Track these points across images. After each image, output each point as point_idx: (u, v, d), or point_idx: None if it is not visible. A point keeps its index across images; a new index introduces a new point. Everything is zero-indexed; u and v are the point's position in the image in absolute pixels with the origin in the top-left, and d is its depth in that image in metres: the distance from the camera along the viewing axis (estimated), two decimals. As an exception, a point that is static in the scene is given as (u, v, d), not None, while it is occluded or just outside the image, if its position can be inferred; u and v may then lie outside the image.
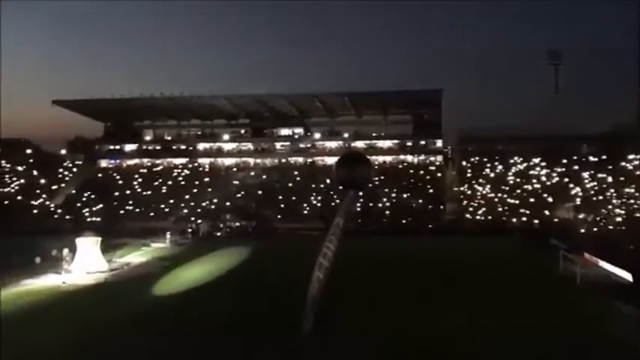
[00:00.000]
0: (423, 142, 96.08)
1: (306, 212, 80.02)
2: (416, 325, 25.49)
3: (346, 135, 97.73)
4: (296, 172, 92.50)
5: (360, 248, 47.45)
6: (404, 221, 76.00)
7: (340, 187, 30.15)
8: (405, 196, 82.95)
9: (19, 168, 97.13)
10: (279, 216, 78.85)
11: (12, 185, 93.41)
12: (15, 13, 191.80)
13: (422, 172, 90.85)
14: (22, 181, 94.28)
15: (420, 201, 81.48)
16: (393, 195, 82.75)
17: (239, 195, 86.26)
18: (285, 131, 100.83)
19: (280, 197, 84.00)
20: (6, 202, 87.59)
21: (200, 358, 21.91)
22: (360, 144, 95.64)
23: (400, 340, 23.13)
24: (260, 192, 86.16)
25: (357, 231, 60.02)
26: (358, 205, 74.25)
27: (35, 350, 23.10)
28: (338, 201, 65.69)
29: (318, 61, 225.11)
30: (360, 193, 58.89)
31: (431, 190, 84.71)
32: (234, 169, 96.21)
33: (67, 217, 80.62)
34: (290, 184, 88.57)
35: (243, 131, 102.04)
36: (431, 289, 34.31)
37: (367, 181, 30.83)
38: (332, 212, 34.25)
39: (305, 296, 23.96)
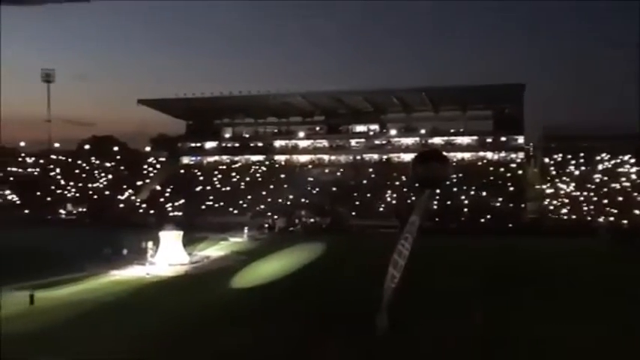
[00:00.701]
0: (503, 139, 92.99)
1: (381, 210, 79.46)
2: (499, 331, 24.69)
3: (423, 131, 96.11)
4: (371, 169, 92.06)
5: (437, 247, 46.56)
6: (482, 220, 73.93)
7: (417, 185, 29.59)
8: (483, 194, 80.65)
9: (108, 164, 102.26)
10: (353, 213, 78.75)
11: (101, 180, 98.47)
12: (106, 16, 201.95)
13: (502, 169, 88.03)
14: (110, 176, 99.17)
15: (500, 199, 78.98)
16: (472, 193, 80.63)
17: (314, 191, 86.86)
18: (360, 128, 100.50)
19: (355, 194, 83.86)
20: (95, 197, 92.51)
21: (276, 350, 22.21)
22: (437, 140, 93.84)
23: (477, 345, 22.47)
24: (335, 189, 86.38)
25: (433, 229, 59.03)
26: (435, 203, 72.92)
27: (119, 336, 24.24)
28: (414, 199, 64.75)
29: (393, 58, 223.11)
30: (437, 191, 57.88)
31: (511, 188, 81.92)
32: (309, 166, 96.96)
33: (151, 211, 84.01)
34: (365, 181, 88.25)
35: (318, 128, 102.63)
36: (520, 294, 32.88)
37: (444, 179, 30.09)
38: (408, 210, 33.78)
39: (379, 295, 23.75)
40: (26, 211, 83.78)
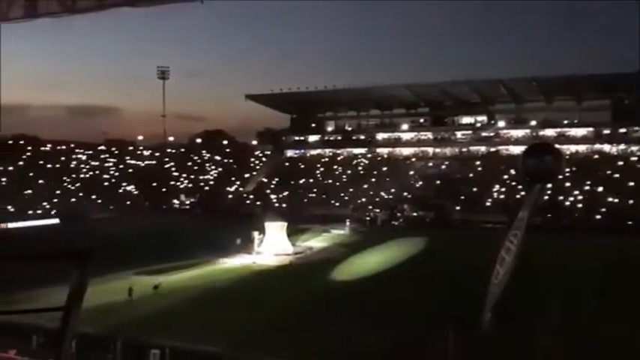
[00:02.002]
0: (623, 130, 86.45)
1: (488, 204, 76.79)
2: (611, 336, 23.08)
3: (534, 122, 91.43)
4: (478, 162, 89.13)
5: (548, 244, 44.30)
6: (598, 217, 69.33)
7: (527, 179, 28.29)
8: (599, 189, 75.56)
9: (217, 157, 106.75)
10: (458, 207, 76.73)
11: (211, 173, 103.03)
12: (215, 15, 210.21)
13: (621, 163, 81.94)
14: (220, 169, 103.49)
15: (618, 195, 73.63)
16: (586, 188, 75.82)
17: (417, 185, 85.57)
18: (466, 119, 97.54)
19: (460, 188, 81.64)
20: (206, 188, 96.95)
21: (378, 342, 22.15)
22: (549, 132, 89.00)
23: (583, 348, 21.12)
24: (439, 182, 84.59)
25: (544, 226, 56.22)
26: (546, 198, 69.32)
27: (232, 320, 25.24)
28: (523, 193, 61.92)
29: (501, 46, 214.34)
30: (549, 186, 54.93)
31: (631, 184, 76.08)
32: (413, 159, 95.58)
33: (257, 202, 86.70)
34: (471, 175, 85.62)
35: (422, 120, 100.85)
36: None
37: (557, 173, 28.60)
38: (516, 205, 32.33)
39: (485, 291, 22.97)
40: (145, 202, 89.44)
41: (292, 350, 21.95)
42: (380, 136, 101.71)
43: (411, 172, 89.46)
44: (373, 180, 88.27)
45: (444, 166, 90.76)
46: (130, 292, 31.37)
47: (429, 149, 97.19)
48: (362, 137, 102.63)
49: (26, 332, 24.60)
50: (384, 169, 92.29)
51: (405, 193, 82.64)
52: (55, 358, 2.73)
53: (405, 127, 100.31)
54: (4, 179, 79.72)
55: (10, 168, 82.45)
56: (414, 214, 76.90)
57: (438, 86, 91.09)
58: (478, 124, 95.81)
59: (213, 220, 66.22)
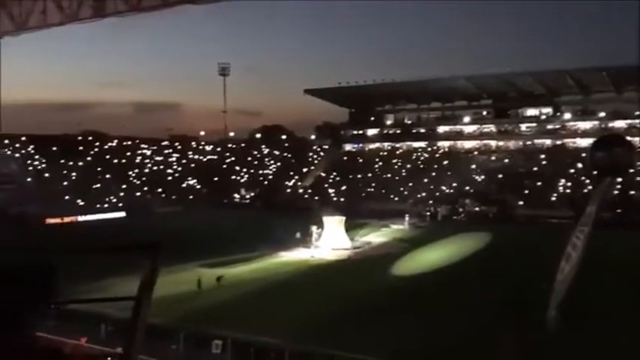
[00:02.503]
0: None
1: (553, 199, 74.25)
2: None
3: (602, 114, 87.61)
4: (543, 156, 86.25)
5: (617, 241, 42.39)
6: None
7: (595, 173, 27.12)
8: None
9: (276, 152, 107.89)
10: (521, 202, 74.56)
11: (270, 167, 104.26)
12: (273, 10, 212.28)
13: (699, 155, 77.40)
14: (279, 163, 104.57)
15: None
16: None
17: (479, 179, 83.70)
18: (531, 111, 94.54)
19: (524, 182, 79.27)
20: (265, 182, 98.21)
21: (439, 340, 21.82)
22: (619, 124, 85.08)
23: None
24: (502, 176, 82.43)
25: (613, 222, 53.86)
26: (615, 192, 66.35)
27: (292, 312, 25.48)
28: (591, 188, 59.53)
29: (566, 35, 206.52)
30: (619, 180, 52.57)
31: None
32: (475, 152, 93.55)
33: (315, 196, 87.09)
34: (535, 168, 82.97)
35: (485, 113, 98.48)
36: None
37: (628, 166, 27.22)
38: (583, 200, 31.10)
39: (549, 288, 22.24)
40: (206, 196, 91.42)
41: (356, 344, 21.92)
42: (441, 129, 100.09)
43: (473, 166, 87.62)
44: (433, 174, 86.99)
45: (507, 160, 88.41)
46: (199, 283, 32.26)
47: (491, 142, 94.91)
48: (422, 130, 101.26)
49: (95, 321, 25.65)
50: (445, 162, 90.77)
51: (467, 188, 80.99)
52: (126, 347, 2.76)
53: (466, 119, 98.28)
54: (74, 174, 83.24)
55: (80, 164, 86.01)
56: (476, 208, 75.25)
57: (500, 77, 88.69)
58: (543, 116, 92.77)
59: (272, 214, 66.87)
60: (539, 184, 77.86)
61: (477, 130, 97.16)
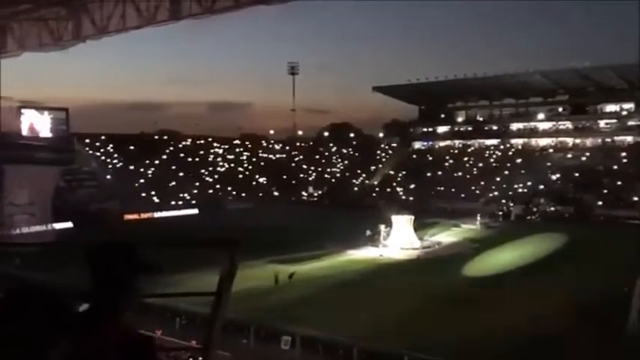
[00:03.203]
0: None
1: (635, 199, 70.43)
2: None
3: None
4: (624, 154, 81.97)
5: None
6: None
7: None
8: None
9: (344, 150, 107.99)
10: (600, 202, 71.18)
11: (338, 165, 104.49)
12: (342, 7, 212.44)
13: None
14: (346, 161, 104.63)
15: None
16: None
17: (554, 178, 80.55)
18: (611, 107, 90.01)
19: (603, 181, 75.64)
20: (333, 180, 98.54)
21: (519, 341, 21.20)
22: None
23: None
24: (579, 175, 78.99)
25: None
26: None
27: (356, 311, 25.41)
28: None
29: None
30: None
31: None
32: (550, 150, 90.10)
33: (384, 195, 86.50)
34: (615, 167, 78.99)
35: (561, 109, 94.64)
36: None
37: None
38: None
39: (630, 292, 21.13)
40: (275, 194, 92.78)
41: (425, 345, 21.62)
42: (514, 126, 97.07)
43: (548, 164, 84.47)
44: (506, 172, 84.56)
45: (584, 158, 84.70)
46: (276, 279, 32.85)
47: (567, 139, 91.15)
48: (494, 128, 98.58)
49: (170, 314, 26.52)
50: (518, 160, 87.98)
51: (541, 187, 78.20)
52: (205, 342, 2.77)
53: (541, 116, 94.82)
54: (150, 172, 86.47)
55: (156, 162, 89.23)
56: (551, 208, 72.49)
57: (578, 72, 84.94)
58: (624, 112, 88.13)
59: (340, 212, 67.00)
60: (619, 183, 74.12)
61: (553, 127, 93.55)
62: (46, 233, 51.94)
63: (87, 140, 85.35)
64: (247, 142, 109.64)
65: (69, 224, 56.93)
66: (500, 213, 71.87)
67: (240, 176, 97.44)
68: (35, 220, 52.25)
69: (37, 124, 75.29)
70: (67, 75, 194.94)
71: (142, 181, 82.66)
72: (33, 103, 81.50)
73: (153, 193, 78.91)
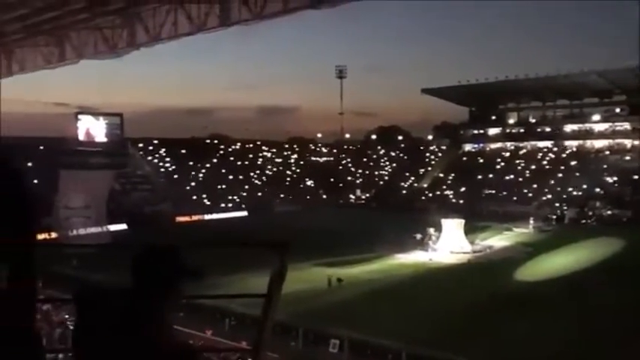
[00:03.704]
0: None
1: (699, 202, 67.23)
2: None
3: None
4: (687, 156, 78.40)
5: None
6: None
7: None
8: None
9: (392, 153, 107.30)
10: (662, 206, 68.23)
11: (386, 168, 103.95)
12: (392, 8, 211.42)
13: None
14: (394, 164, 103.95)
15: None
16: None
17: (611, 180, 77.76)
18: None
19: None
20: (381, 183, 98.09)
21: (565, 347, 20.57)
22: None
23: None
24: (638, 177, 76.00)
25: None
26: None
27: (406, 316, 25.16)
28: None
29: None
30: None
31: None
32: (606, 152, 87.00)
33: (433, 198, 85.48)
34: (678, 169, 75.63)
35: (618, 110, 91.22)
36: None
37: None
38: None
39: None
40: (323, 196, 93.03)
41: (475, 351, 21.24)
42: (568, 127, 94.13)
43: (604, 167, 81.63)
44: (560, 175, 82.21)
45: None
46: (329, 282, 32.92)
47: (625, 141, 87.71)
48: (547, 129, 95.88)
49: (220, 315, 26.94)
50: (573, 163, 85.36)
51: (597, 190, 75.66)
52: (255, 344, 2.78)
53: (597, 117, 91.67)
54: (200, 176, 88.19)
55: (207, 165, 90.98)
56: (608, 212, 69.99)
57: (636, 71, 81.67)
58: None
59: (388, 215, 66.52)
60: (683, 186, 70.96)
61: (609, 129, 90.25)
62: (101, 235, 53.59)
63: (140, 144, 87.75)
64: (295, 146, 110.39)
65: (123, 226, 58.58)
66: (554, 216, 69.89)
67: (288, 179, 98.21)
68: (91, 222, 53.95)
69: (93, 129, 78.02)
70: (121, 81, 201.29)
71: (193, 184, 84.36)
72: (89, 109, 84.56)
73: (204, 195, 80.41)
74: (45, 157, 63.40)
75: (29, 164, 53.31)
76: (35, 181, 45.15)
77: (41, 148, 67.99)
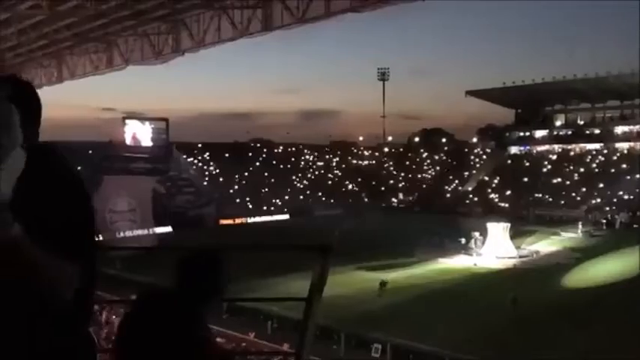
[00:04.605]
0: None
1: None
2: None
3: None
4: None
5: None
6: None
7: None
8: None
9: (435, 156, 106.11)
10: None
11: (429, 171, 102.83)
12: (435, 11, 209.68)
13: None
14: (438, 167, 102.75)
15: None
16: None
17: (666, 184, 74.89)
18: None
19: None
20: (424, 186, 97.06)
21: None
22: None
23: None
24: (694, 181, 73.00)
25: None
26: None
27: (450, 322, 24.76)
28: None
29: None
30: None
31: None
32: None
33: (478, 202, 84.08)
34: None
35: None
36: None
37: None
38: None
39: None
40: (365, 200, 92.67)
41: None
42: (619, 129, 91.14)
43: (657, 170, 78.67)
44: (610, 178, 79.67)
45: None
46: (381, 286, 32.54)
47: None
48: (597, 131, 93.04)
49: (262, 317, 27.11)
50: (624, 166, 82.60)
51: (651, 194, 72.98)
52: (298, 347, 2.77)
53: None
54: (243, 179, 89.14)
55: (250, 169, 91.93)
56: (662, 216, 67.41)
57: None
58: None
59: (432, 219, 65.69)
60: None
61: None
62: (146, 237, 54.75)
63: (185, 149, 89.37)
64: (337, 150, 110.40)
65: (168, 228, 59.68)
66: (604, 221, 67.74)
67: (330, 183, 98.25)
68: (136, 225, 55.09)
69: (140, 133, 79.97)
70: (167, 87, 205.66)
71: (236, 187, 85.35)
72: (135, 113, 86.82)
73: (247, 199, 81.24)
74: (93, 161, 65.38)
75: (79, 168, 54.89)
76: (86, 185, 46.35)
77: (90, 152, 69.94)
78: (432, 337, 23.58)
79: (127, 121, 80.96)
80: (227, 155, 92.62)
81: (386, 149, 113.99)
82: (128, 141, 78.75)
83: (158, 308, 1.71)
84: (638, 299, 29.18)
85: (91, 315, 1.73)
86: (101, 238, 46.57)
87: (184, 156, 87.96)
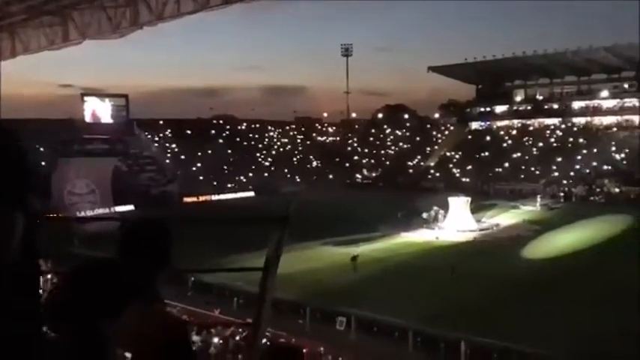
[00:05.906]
0: None
1: None
2: None
3: None
4: (697, 132, 77.61)
5: None
6: None
7: None
8: None
9: (398, 132, 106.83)
10: (671, 182, 67.76)
11: (392, 147, 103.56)
12: None
13: None
14: (401, 143, 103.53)
15: None
16: None
17: (620, 157, 77.21)
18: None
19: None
20: (387, 163, 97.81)
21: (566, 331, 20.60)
22: None
23: None
24: (647, 154, 75.37)
25: None
26: None
27: (413, 295, 25.19)
28: None
29: None
30: None
31: None
32: (615, 129, 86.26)
33: (439, 177, 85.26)
34: (688, 146, 74.91)
35: (627, 85, 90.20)
36: None
37: None
38: None
39: None
40: (330, 176, 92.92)
41: (484, 330, 21.30)
42: (576, 104, 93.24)
43: (613, 144, 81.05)
44: (568, 152, 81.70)
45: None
46: (352, 260, 32.80)
47: (634, 117, 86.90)
48: (555, 106, 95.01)
49: (228, 294, 27.12)
50: (581, 140, 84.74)
51: (606, 167, 75.22)
52: (255, 318, 2.78)
53: (605, 93, 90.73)
54: (207, 156, 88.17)
55: (213, 146, 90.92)
56: (617, 189, 69.65)
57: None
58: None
59: (395, 195, 66.40)
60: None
61: (617, 105, 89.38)
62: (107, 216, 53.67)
63: (146, 125, 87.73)
64: (301, 126, 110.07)
65: (131, 207, 58.75)
66: (562, 194, 69.65)
67: (295, 159, 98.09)
68: (97, 205, 53.82)
69: (99, 110, 78.09)
70: (126, 62, 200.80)
71: (199, 165, 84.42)
72: (94, 90, 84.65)
73: (210, 176, 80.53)
74: (52, 140, 63.72)
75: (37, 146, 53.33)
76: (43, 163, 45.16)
77: (48, 130, 68.01)
78: (396, 310, 23.97)
79: (86, 97, 78.92)
80: (189, 132, 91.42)
81: (350, 126, 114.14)
82: (87, 118, 76.85)
83: (98, 275, 1.65)
84: (593, 268, 30.32)
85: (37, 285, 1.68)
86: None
87: (145, 133, 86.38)
